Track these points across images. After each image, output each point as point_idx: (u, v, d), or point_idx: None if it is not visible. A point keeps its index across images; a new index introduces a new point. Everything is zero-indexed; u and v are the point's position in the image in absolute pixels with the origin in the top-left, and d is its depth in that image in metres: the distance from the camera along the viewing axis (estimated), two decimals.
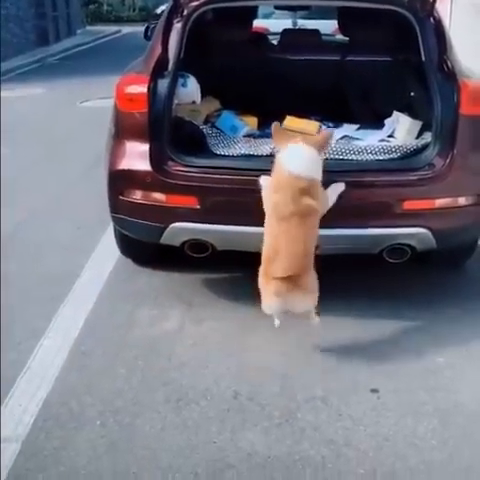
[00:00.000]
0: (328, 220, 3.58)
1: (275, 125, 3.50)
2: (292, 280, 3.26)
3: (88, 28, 25.21)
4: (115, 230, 4.28)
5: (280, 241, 3.30)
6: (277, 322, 3.46)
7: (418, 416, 3.00)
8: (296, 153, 3.37)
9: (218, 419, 2.99)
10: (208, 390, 3.19)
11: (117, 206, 3.88)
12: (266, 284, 3.33)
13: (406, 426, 2.94)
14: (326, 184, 3.47)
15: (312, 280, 3.35)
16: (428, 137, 3.79)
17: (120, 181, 3.83)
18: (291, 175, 3.30)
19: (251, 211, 3.64)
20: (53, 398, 3.14)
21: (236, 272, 4.38)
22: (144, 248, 4.24)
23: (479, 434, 2.90)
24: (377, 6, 4.01)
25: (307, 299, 3.33)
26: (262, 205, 3.54)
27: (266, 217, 3.42)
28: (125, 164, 3.78)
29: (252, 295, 4.01)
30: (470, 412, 3.04)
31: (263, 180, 3.49)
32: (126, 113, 3.78)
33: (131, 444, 2.85)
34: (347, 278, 4.15)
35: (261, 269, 3.39)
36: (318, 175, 3.38)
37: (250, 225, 3.63)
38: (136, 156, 3.74)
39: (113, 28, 25.11)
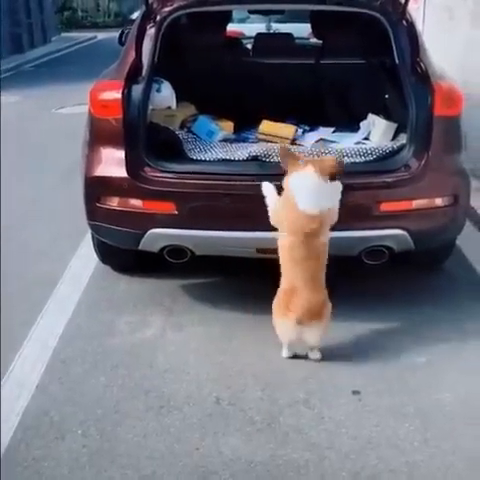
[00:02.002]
0: None
1: (282, 148, 3.40)
2: (312, 311, 3.30)
3: (63, 35, 25.04)
4: (93, 237, 4.26)
5: (298, 277, 3.34)
6: (286, 352, 3.46)
7: (400, 417, 3.01)
8: (307, 187, 3.28)
9: (200, 425, 2.98)
10: (190, 396, 3.18)
11: (94, 213, 3.85)
12: (285, 313, 3.34)
13: (388, 427, 2.94)
14: None
15: (328, 312, 3.38)
16: (403, 139, 3.81)
17: (96, 188, 3.81)
18: (304, 213, 3.28)
19: (229, 216, 3.65)
20: (33, 408, 3.11)
21: (216, 277, 4.38)
22: (122, 255, 4.22)
23: (460, 434, 2.91)
24: (350, 9, 4.03)
25: (322, 330, 3.36)
26: (240, 209, 3.60)
27: (280, 250, 3.41)
28: (101, 171, 3.76)
29: (232, 300, 4.04)
30: (451, 412, 3.05)
31: (266, 188, 3.47)
32: (101, 119, 3.77)
33: (113, 453, 2.83)
34: (327, 280, 4.15)
35: (279, 299, 3.41)
36: (330, 202, 3.36)
37: (228, 230, 3.64)
38: (112, 162, 3.72)
39: (88, 34, 24.97)
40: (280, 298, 3.41)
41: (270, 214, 3.44)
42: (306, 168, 3.29)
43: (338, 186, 3.36)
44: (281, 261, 3.43)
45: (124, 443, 2.88)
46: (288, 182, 3.35)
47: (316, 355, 3.43)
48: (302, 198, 3.28)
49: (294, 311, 3.31)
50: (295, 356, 3.47)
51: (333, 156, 3.34)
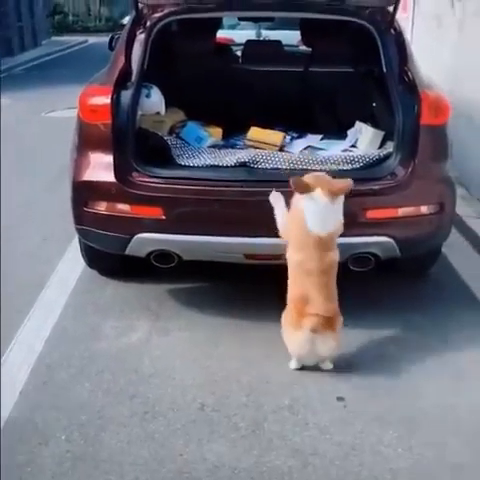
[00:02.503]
0: None
1: (296, 180, 3.33)
2: (327, 320, 3.28)
3: (54, 38, 25.00)
4: (80, 241, 4.25)
5: (311, 288, 3.32)
6: (295, 363, 3.42)
7: (384, 424, 3.01)
8: (318, 211, 3.29)
9: (185, 431, 2.97)
10: (175, 402, 3.17)
11: (81, 217, 3.85)
12: (298, 323, 3.30)
13: (372, 434, 2.95)
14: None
15: (340, 322, 3.37)
16: (390, 147, 3.84)
17: (84, 192, 3.81)
18: (313, 234, 3.30)
19: (217, 221, 3.66)
20: (17, 413, 3.09)
21: (203, 282, 4.38)
22: (109, 259, 4.21)
23: (444, 441, 2.93)
24: (338, 18, 4.05)
25: (335, 342, 3.32)
26: (228, 215, 3.62)
27: (289, 262, 3.41)
28: (89, 175, 3.77)
29: (219, 305, 4.05)
30: (435, 418, 3.07)
31: (274, 198, 3.47)
32: (90, 124, 3.77)
33: (97, 458, 2.82)
34: None
35: (290, 310, 3.38)
36: (337, 220, 3.37)
37: (216, 235, 3.65)
38: (100, 167, 3.73)
39: (79, 38, 24.94)
40: (291, 309, 3.37)
41: (279, 226, 3.45)
42: (316, 192, 3.29)
43: (341, 199, 3.37)
44: (290, 272, 3.42)
45: (108, 449, 2.87)
46: (298, 204, 3.35)
47: (328, 366, 3.40)
48: (312, 221, 3.30)
49: (308, 320, 3.26)
50: (280, 362, 3.47)
51: (343, 180, 3.35)
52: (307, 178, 3.35)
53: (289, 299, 3.42)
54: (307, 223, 3.30)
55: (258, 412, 3.10)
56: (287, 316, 3.40)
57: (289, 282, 3.43)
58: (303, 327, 3.28)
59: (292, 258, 3.41)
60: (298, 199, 3.35)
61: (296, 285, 3.40)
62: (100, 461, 2.80)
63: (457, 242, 4.84)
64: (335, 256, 3.37)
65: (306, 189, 3.30)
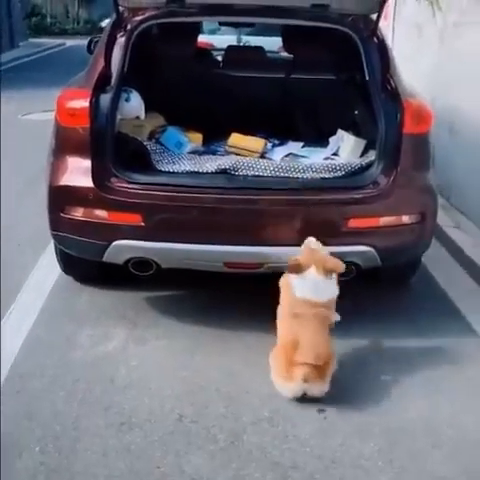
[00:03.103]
0: (274, 238, 3.56)
1: (292, 264, 3.32)
2: (319, 368, 3.18)
3: (31, 40, 24.81)
4: (56, 247, 4.17)
5: (302, 331, 3.25)
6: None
7: (365, 436, 2.98)
8: (313, 288, 3.30)
9: (162, 443, 2.91)
10: (152, 413, 3.11)
11: (58, 223, 3.77)
12: (289, 373, 3.18)
13: (353, 447, 2.91)
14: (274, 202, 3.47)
15: (333, 368, 3.28)
16: (372, 155, 3.82)
17: (61, 198, 3.73)
18: (306, 301, 3.29)
19: (196, 228, 3.61)
20: None
21: (181, 290, 4.32)
22: (86, 266, 4.13)
23: (425, 454, 2.90)
24: (321, 25, 4.02)
25: (326, 384, 3.23)
26: (208, 222, 3.59)
27: (280, 306, 3.40)
28: (66, 180, 3.69)
29: (197, 314, 3.99)
30: (416, 431, 3.04)
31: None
32: (67, 128, 3.70)
33: (72, 471, 2.75)
34: None
35: (279, 353, 3.29)
36: (334, 292, 3.38)
37: (195, 243, 3.59)
38: (78, 172, 3.65)
39: (57, 41, 24.79)
40: (281, 353, 3.27)
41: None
42: (310, 271, 3.29)
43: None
44: (280, 314, 3.38)
45: (83, 461, 2.80)
46: (290, 282, 3.35)
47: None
48: (302, 292, 3.30)
49: (300, 370, 3.15)
50: (259, 372, 3.42)
51: (336, 260, 3.35)
52: (301, 257, 3.34)
53: (279, 341, 3.34)
54: (298, 295, 3.31)
55: (237, 423, 3.05)
56: (277, 364, 3.28)
57: (278, 321, 3.39)
58: (294, 378, 3.16)
59: (283, 306, 3.39)
60: (290, 280, 3.36)
61: (286, 327, 3.33)
62: (75, 473, 2.74)
63: (436, 251, 4.83)
64: (330, 313, 3.35)
65: (300, 270, 3.30)
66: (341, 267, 3.32)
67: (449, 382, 3.42)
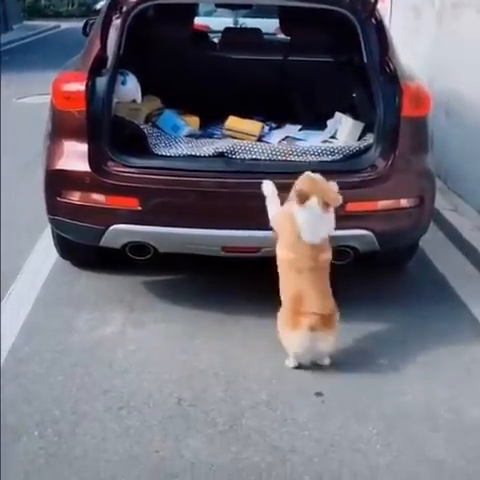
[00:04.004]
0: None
1: (299, 190, 3.29)
2: (324, 318, 3.22)
3: (25, 23, 24.57)
4: (53, 232, 4.15)
5: (305, 286, 3.27)
6: (293, 362, 3.34)
7: (363, 420, 2.98)
8: (312, 220, 3.28)
9: (161, 427, 2.92)
10: (150, 397, 3.11)
11: (54, 208, 3.75)
12: (295, 322, 3.22)
13: (351, 430, 2.92)
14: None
15: (337, 320, 3.31)
16: (370, 138, 3.80)
17: (57, 182, 3.71)
18: (307, 243, 3.28)
19: (193, 212, 3.60)
20: None
21: (178, 274, 4.31)
22: (83, 250, 4.12)
23: (423, 437, 2.91)
24: (318, 6, 3.98)
25: (333, 338, 3.26)
26: (206, 206, 3.56)
27: (281, 261, 3.38)
28: (62, 164, 3.67)
29: (195, 298, 3.99)
30: (414, 415, 3.05)
31: (266, 187, 3.42)
32: (63, 112, 3.67)
33: (71, 455, 2.75)
34: None
35: (286, 310, 3.30)
36: (331, 229, 3.35)
37: (192, 227, 3.58)
38: (74, 156, 3.63)
39: (52, 23, 24.54)
40: (287, 308, 3.30)
41: (270, 218, 3.41)
42: (312, 201, 3.26)
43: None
44: (281, 271, 3.37)
45: (82, 445, 2.81)
46: (292, 208, 3.31)
47: (326, 361, 3.35)
48: (306, 230, 3.28)
49: (306, 319, 3.20)
50: (258, 356, 3.43)
51: (335, 189, 3.32)
52: (303, 184, 3.30)
53: (283, 299, 3.36)
54: (300, 231, 3.27)
55: (236, 407, 3.06)
56: (283, 316, 3.33)
57: (281, 281, 3.38)
58: (301, 326, 3.21)
59: (283, 257, 3.36)
60: (293, 209, 3.31)
61: (289, 284, 3.34)
62: (74, 458, 2.74)
63: (433, 235, 4.82)
64: (327, 255, 3.34)
65: (305, 199, 3.26)
66: (339, 200, 3.30)
67: (447, 366, 3.43)
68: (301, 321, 3.21)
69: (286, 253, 3.35)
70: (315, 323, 3.20)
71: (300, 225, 3.27)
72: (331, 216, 3.32)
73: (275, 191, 3.41)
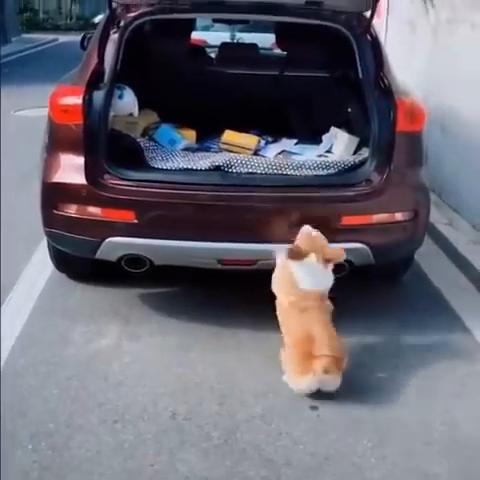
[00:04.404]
0: (268, 235, 3.56)
1: (292, 249, 3.37)
2: (336, 360, 3.18)
3: (24, 36, 24.69)
4: (49, 244, 4.16)
5: (311, 326, 3.26)
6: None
7: (358, 433, 2.98)
8: (312, 273, 3.33)
9: (155, 441, 2.91)
10: (145, 410, 3.10)
11: (51, 220, 3.76)
12: (307, 366, 3.15)
13: (346, 444, 2.91)
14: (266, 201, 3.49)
15: (346, 362, 3.27)
16: (365, 153, 3.82)
17: (54, 194, 3.73)
18: (305, 292, 3.33)
19: (189, 225, 3.61)
20: None
21: (174, 287, 4.32)
22: (79, 263, 4.13)
23: (417, 451, 2.90)
24: (315, 22, 4.02)
25: (341, 378, 3.21)
26: (202, 219, 3.59)
27: (281, 304, 3.42)
28: (59, 177, 3.68)
29: (190, 310, 3.99)
30: (409, 428, 3.04)
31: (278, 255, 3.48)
32: (61, 125, 3.69)
33: (65, 469, 2.74)
34: None
35: (294, 354, 3.25)
36: (330, 280, 3.41)
37: (188, 239, 3.59)
38: (71, 169, 3.65)
39: (50, 36, 24.67)
40: (296, 353, 3.24)
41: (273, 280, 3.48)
42: (310, 258, 3.31)
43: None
44: (283, 318, 3.39)
45: (76, 459, 2.79)
46: (290, 266, 3.37)
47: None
48: (306, 281, 3.33)
49: (320, 362, 3.13)
50: (253, 370, 3.43)
51: (336, 249, 3.40)
52: (301, 243, 3.35)
53: (289, 341, 3.33)
54: (299, 283, 3.33)
55: (231, 421, 3.05)
56: (291, 361, 3.26)
57: (284, 325, 3.38)
58: (314, 370, 3.13)
59: (283, 303, 3.39)
60: (291, 265, 3.36)
61: (294, 325, 3.33)
62: (68, 471, 2.73)
63: (428, 248, 4.84)
64: (328, 302, 3.39)
65: (300, 257, 3.31)
66: (342, 255, 3.34)
67: (442, 380, 3.43)
68: (314, 364, 3.13)
69: (286, 298, 3.38)
70: (329, 366, 3.13)
71: (298, 278, 3.32)
72: (330, 272, 3.38)
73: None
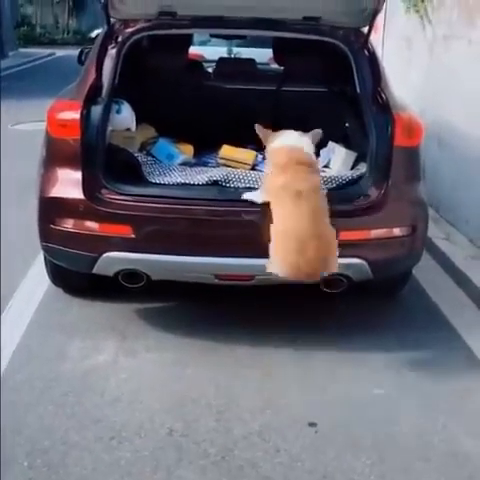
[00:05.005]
0: (265, 250, 3.54)
1: (258, 126, 3.67)
2: (328, 244, 3.27)
3: (21, 50, 24.78)
4: (45, 259, 4.14)
5: (304, 216, 3.29)
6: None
7: (356, 450, 2.96)
8: (291, 135, 3.51)
9: (152, 458, 2.88)
10: (142, 427, 3.08)
11: (48, 235, 3.75)
12: (296, 246, 3.22)
13: (345, 461, 2.89)
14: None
15: (335, 242, 3.32)
16: (363, 168, 3.82)
17: (51, 209, 3.72)
18: (292, 152, 3.42)
19: (187, 240, 3.60)
20: None
21: (171, 302, 4.30)
22: (76, 277, 4.11)
23: (416, 469, 2.88)
24: (313, 38, 4.03)
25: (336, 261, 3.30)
26: (199, 234, 3.57)
27: (272, 200, 3.41)
28: (56, 191, 3.68)
29: (187, 326, 3.97)
30: (407, 444, 3.02)
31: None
32: (58, 139, 3.69)
33: None
34: (282, 306, 4.12)
35: (283, 235, 3.29)
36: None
37: (186, 255, 3.58)
38: (68, 183, 3.64)
39: (47, 51, 24.77)
40: (285, 237, 3.29)
41: (260, 192, 3.55)
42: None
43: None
44: (274, 201, 3.39)
45: (72, 476, 2.77)
46: (272, 145, 3.56)
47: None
48: (289, 141, 3.52)
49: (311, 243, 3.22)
50: (250, 385, 3.40)
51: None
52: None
53: (279, 229, 3.33)
54: (288, 144, 3.48)
55: (228, 438, 3.02)
56: (279, 244, 3.30)
57: (275, 217, 3.36)
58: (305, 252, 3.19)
59: (275, 184, 3.41)
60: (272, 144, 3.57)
61: (287, 217, 3.33)
62: None
63: (426, 263, 4.83)
64: (320, 182, 3.45)
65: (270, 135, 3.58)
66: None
67: (441, 396, 3.41)
68: (305, 247, 3.20)
69: (277, 179, 3.41)
70: (320, 249, 3.22)
71: (283, 142, 3.51)
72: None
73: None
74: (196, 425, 3.11)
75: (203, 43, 9.95)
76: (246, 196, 3.56)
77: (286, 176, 3.36)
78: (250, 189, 3.74)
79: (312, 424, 3.13)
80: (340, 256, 3.57)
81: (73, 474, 2.78)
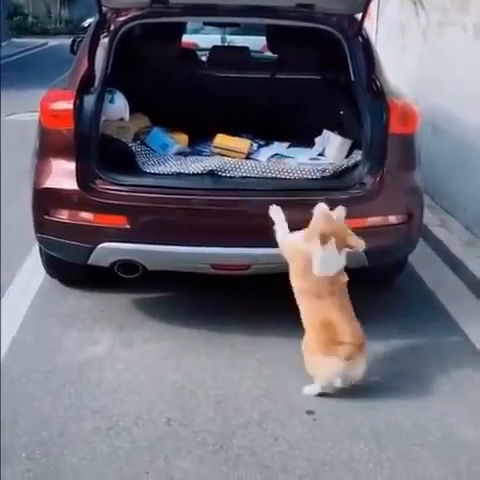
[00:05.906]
0: (261, 239, 3.54)
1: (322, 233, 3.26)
2: (358, 347, 3.18)
3: (13, 40, 24.65)
4: (41, 250, 4.13)
5: (331, 312, 3.22)
6: (315, 389, 3.24)
7: (355, 438, 2.96)
8: (328, 259, 3.24)
9: (151, 448, 2.88)
10: (140, 417, 3.08)
11: (42, 226, 3.74)
12: (332, 349, 3.15)
13: (343, 449, 2.89)
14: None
15: (367, 346, 3.27)
16: (358, 156, 3.81)
17: (45, 200, 3.70)
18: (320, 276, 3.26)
19: (182, 230, 3.59)
20: None
21: (167, 292, 4.29)
22: (71, 268, 4.10)
23: (414, 456, 2.88)
24: (306, 25, 4.01)
25: (365, 365, 3.21)
26: (195, 224, 3.56)
27: (296, 288, 3.35)
28: (50, 182, 3.66)
29: (184, 316, 3.97)
30: (405, 432, 3.03)
31: (275, 212, 3.42)
32: (51, 130, 3.67)
33: (59, 477, 2.71)
34: (279, 295, 4.11)
35: (315, 338, 3.24)
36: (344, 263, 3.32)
37: (181, 244, 3.57)
38: (62, 174, 3.62)
39: (40, 40, 24.65)
40: (317, 337, 3.23)
41: (279, 242, 3.40)
42: (331, 243, 3.21)
43: None
44: (300, 299, 3.33)
45: (70, 467, 2.77)
46: (308, 249, 3.27)
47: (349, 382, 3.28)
48: (320, 267, 3.24)
49: (343, 349, 3.14)
50: (248, 375, 3.40)
51: (357, 238, 3.28)
52: (323, 226, 3.22)
53: (308, 326, 3.30)
54: (313, 267, 3.24)
55: (226, 427, 3.03)
56: (312, 344, 3.25)
57: (302, 309, 3.33)
58: (338, 355, 3.13)
59: (298, 286, 3.34)
60: (308, 248, 3.27)
61: (313, 311, 3.29)
62: None
63: (422, 250, 4.83)
64: (343, 278, 3.31)
65: (326, 240, 3.20)
66: (363, 246, 3.27)
67: (438, 384, 3.41)
68: (337, 350, 3.14)
69: (300, 282, 3.32)
70: (350, 351, 3.13)
71: (315, 262, 3.24)
72: (344, 256, 3.30)
73: (282, 216, 3.40)
74: (194, 415, 3.11)
75: (196, 31, 9.89)
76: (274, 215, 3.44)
77: (309, 281, 3.28)
78: (245, 178, 3.74)
79: (310, 412, 3.13)
80: None
81: (71, 465, 2.78)
